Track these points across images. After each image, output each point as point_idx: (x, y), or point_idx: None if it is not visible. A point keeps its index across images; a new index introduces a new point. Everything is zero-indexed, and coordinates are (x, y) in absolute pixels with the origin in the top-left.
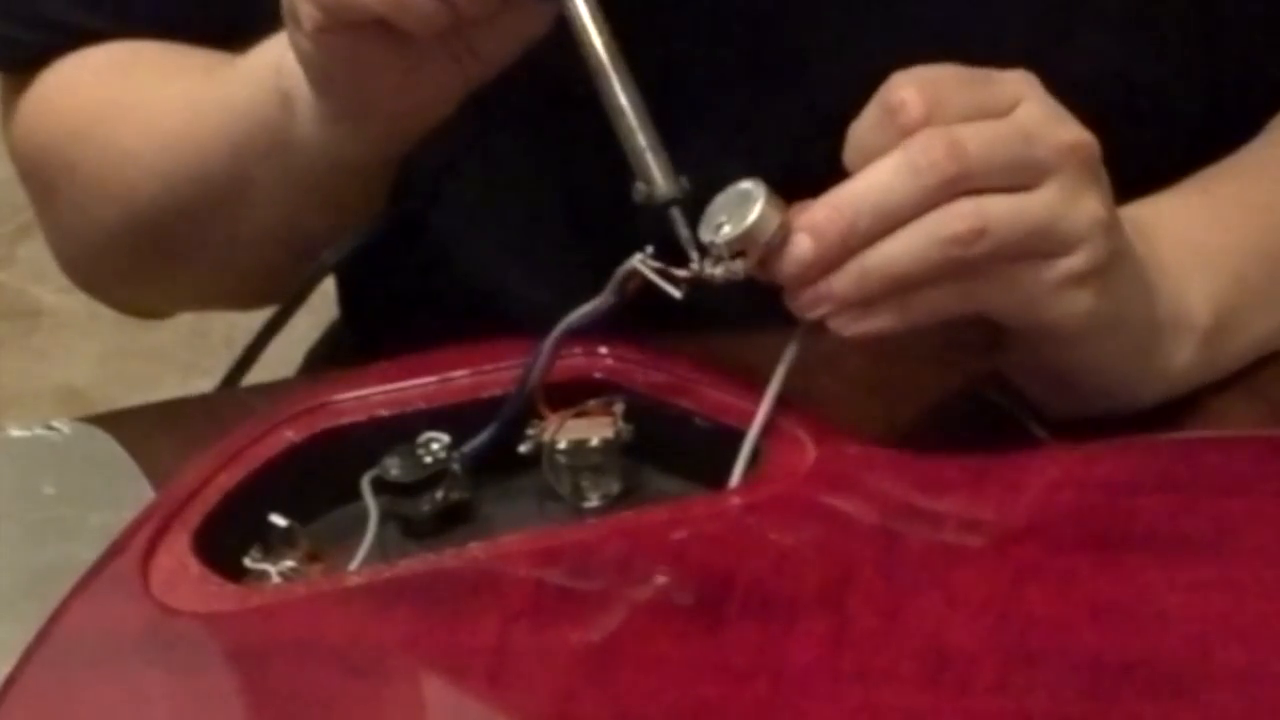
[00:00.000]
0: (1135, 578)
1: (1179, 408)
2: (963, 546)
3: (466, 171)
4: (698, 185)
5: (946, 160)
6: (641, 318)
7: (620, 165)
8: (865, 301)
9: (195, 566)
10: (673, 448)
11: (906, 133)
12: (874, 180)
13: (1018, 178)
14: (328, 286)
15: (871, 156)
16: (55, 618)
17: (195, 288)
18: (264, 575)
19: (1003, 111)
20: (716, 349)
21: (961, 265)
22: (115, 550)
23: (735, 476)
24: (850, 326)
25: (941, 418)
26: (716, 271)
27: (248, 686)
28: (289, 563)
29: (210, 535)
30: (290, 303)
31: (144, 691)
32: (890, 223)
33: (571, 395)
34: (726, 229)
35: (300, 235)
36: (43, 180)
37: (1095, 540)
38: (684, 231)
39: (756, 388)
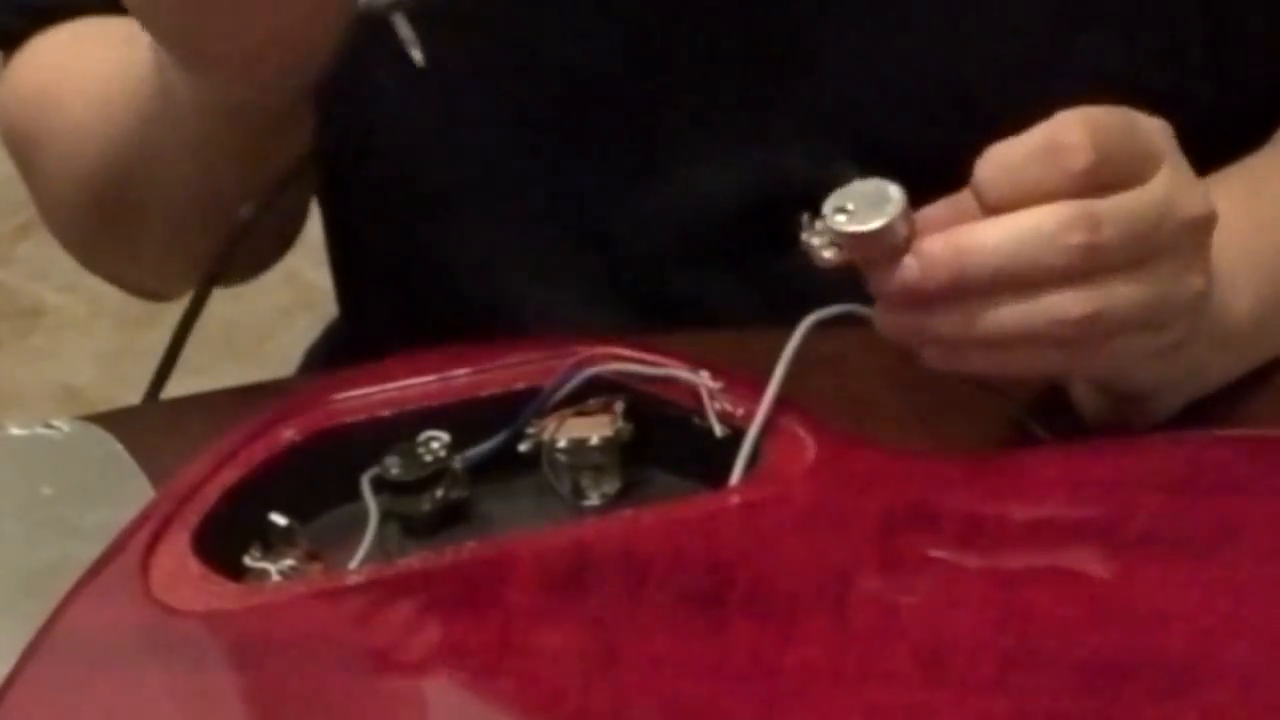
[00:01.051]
0: (1135, 578)
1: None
2: (962, 546)
3: (465, 175)
4: (700, 181)
5: (1084, 248)
6: (642, 318)
7: (622, 169)
8: (960, 346)
9: (195, 566)
10: (673, 447)
11: (1069, 178)
12: (1005, 238)
13: (1140, 255)
14: (327, 284)
15: (1020, 185)
16: (55, 617)
17: (158, 256)
18: (264, 574)
19: (1146, 173)
20: (716, 349)
21: (1067, 341)
22: (115, 550)
23: (735, 476)
24: (938, 361)
25: (942, 417)
26: (825, 255)
27: (248, 685)
28: (289, 562)
29: (210, 534)
30: (213, 266)
31: (144, 691)
32: (1005, 284)
33: (571, 394)
34: (845, 219)
35: (227, 197)
36: (16, 154)
37: (1095, 540)
38: (406, 35)
39: (757, 386)
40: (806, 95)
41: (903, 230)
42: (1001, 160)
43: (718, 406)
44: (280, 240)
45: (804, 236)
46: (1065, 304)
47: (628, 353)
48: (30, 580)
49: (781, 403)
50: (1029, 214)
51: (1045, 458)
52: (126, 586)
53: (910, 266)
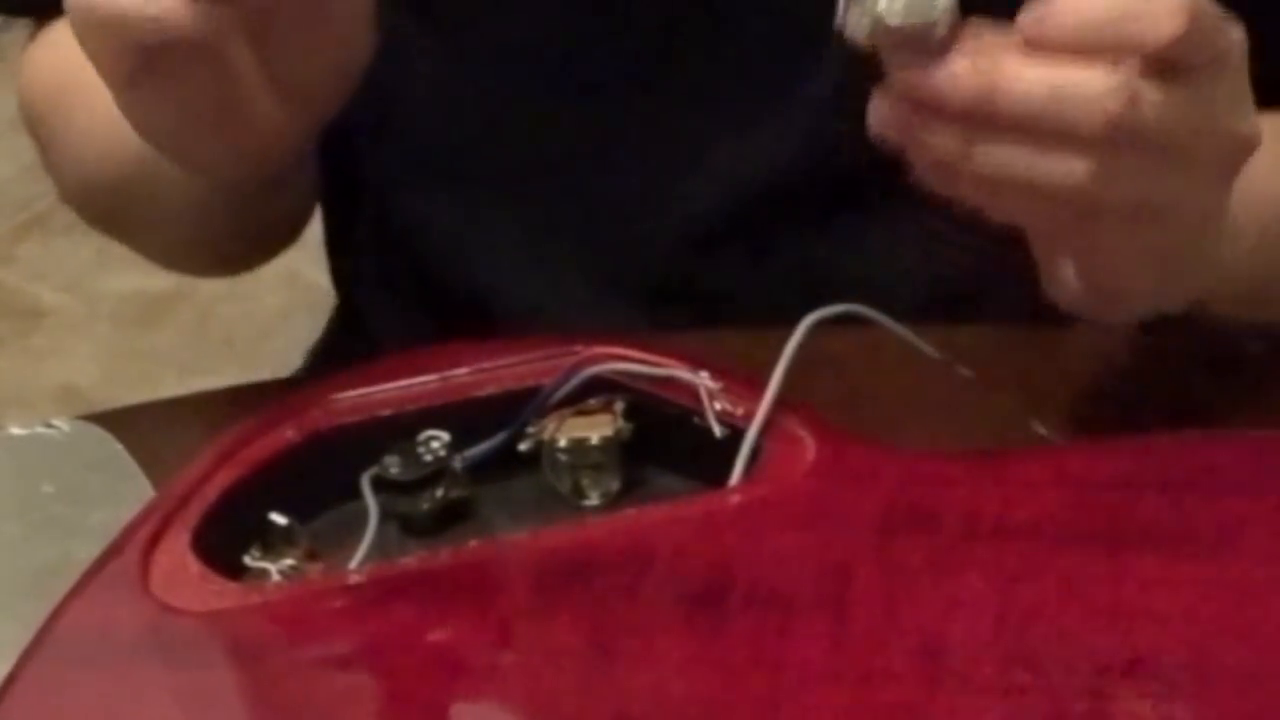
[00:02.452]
0: (1135, 578)
1: (1179, 407)
2: (962, 545)
3: (466, 173)
4: (717, 160)
5: (1117, 120)
6: (656, 304)
7: (621, 168)
8: (953, 170)
9: (195, 565)
10: (673, 446)
11: (1149, 40)
12: (1043, 81)
13: (1169, 149)
14: (327, 284)
15: (1097, 27)
16: (55, 617)
17: (161, 252)
18: (264, 574)
19: (1213, 72)
20: (718, 347)
21: (1061, 204)
22: (115, 549)
23: (735, 475)
24: (924, 173)
25: (942, 417)
26: (856, 35)
27: (247, 685)
28: (289, 561)
29: (210, 534)
30: None
31: (144, 690)
32: (1023, 125)
33: (572, 394)
34: (886, 3)
35: (223, 232)
36: (32, 137)
37: (1095, 540)
38: None
39: (757, 386)
40: (825, 74)
41: (940, 34)
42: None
43: (718, 406)
44: (287, 229)
45: (840, 7)
46: (1075, 167)
47: (628, 352)
48: (30, 580)
49: (781, 403)
50: (1076, 68)
51: (1045, 458)
52: (126, 586)
53: (937, 74)
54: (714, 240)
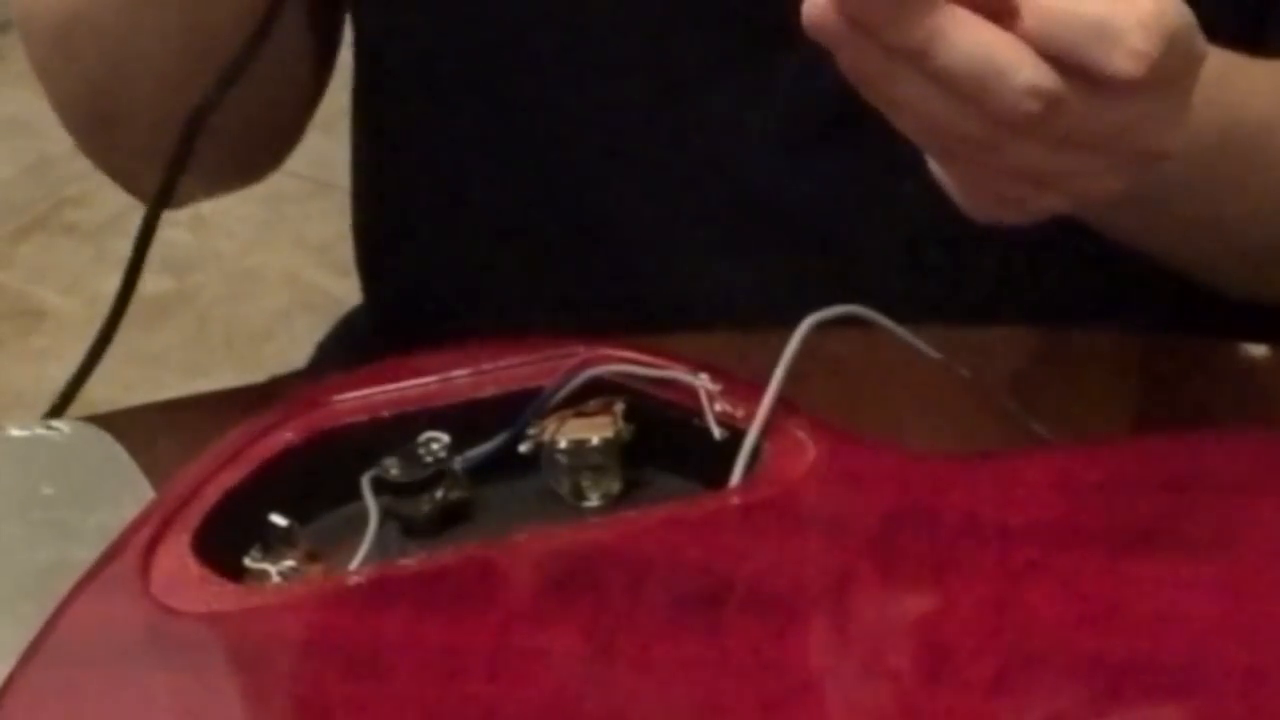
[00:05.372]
0: (1135, 578)
1: (1179, 407)
2: (962, 546)
3: (474, 196)
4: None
5: (1031, 119)
6: (643, 318)
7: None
8: (864, 83)
9: (195, 566)
10: (673, 448)
11: (1097, 66)
12: (981, 52)
13: (1075, 142)
14: (327, 284)
15: (1053, 33)
16: (55, 618)
17: (145, 143)
18: (264, 575)
19: (1151, 87)
20: (717, 349)
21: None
22: (115, 550)
23: (735, 477)
24: (843, 63)
25: (942, 418)
26: None
27: (248, 686)
28: (289, 562)
29: (210, 535)
30: (178, 149)
31: (144, 691)
32: (946, 79)
33: (572, 395)
34: None
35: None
36: (22, 30)
37: (1095, 540)
38: None
39: (757, 388)
40: None
41: None
42: (1063, 7)
43: (717, 408)
44: (287, 119)
45: None
46: (979, 130)
47: (628, 354)
48: (30, 581)
49: (781, 404)
50: (1019, 52)
51: (1045, 458)
52: (127, 587)
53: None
54: (793, 149)
